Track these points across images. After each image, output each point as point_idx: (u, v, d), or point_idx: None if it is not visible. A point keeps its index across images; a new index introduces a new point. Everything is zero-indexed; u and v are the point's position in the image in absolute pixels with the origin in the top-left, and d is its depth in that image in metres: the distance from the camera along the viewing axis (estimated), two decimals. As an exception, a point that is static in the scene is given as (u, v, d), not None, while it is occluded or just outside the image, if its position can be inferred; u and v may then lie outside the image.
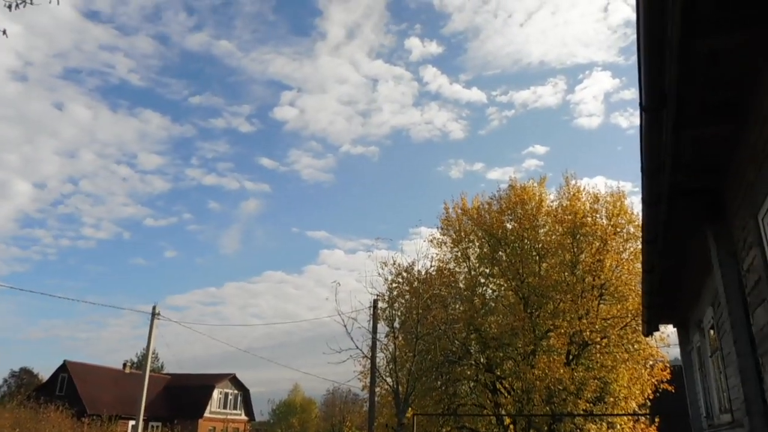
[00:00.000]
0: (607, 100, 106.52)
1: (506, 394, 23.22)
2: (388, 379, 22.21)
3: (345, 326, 24.26)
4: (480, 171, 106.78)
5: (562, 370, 20.39)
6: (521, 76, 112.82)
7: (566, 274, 22.65)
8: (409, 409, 21.20)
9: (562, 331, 21.60)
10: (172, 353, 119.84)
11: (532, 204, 24.00)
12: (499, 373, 23.49)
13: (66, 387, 44.17)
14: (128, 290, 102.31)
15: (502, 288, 24.58)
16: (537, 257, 23.35)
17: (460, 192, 29.02)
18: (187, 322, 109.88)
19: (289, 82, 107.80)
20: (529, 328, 22.15)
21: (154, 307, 27.80)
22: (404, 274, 24.09)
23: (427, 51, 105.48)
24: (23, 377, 59.53)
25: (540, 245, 23.41)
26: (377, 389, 22.43)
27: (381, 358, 22.64)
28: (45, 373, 56.64)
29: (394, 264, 24.41)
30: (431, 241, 25.94)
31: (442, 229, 26.27)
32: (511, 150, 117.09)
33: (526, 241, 23.61)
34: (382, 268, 24.18)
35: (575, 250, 23.00)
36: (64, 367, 45.67)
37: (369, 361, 21.45)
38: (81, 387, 43.67)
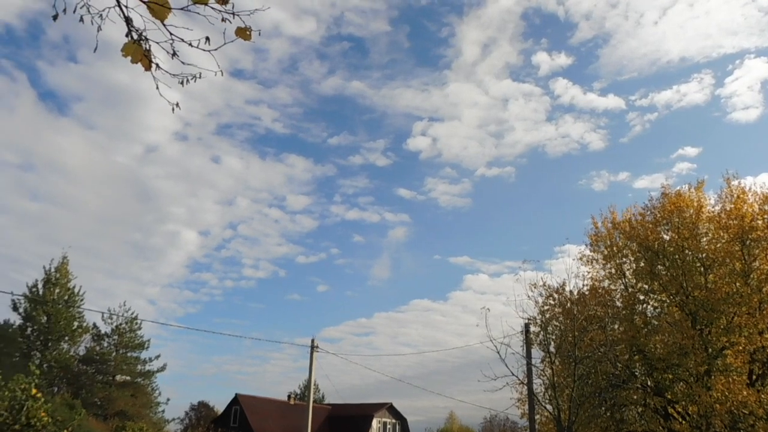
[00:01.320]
0: (765, 88, 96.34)
1: (681, 420, 21.36)
2: (548, 406, 21.42)
3: (498, 352, 23.83)
4: (625, 181, 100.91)
5: (745, 392, 18.42)
6: (661, 76, 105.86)
7: (738, 284, 20.59)
8: (573, 437, 20.21)
9: (741, 348, 19.57)
10: (331, 384, 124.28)
11: (690, 211, 22.21)
12: (669, 397, 21.73)
13: (239, 418, 47.42)
14: (287, 325, 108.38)
15: (665, 304, 22.84)
16: (702, 268, 21.48)
17: (609, 205, 27.53)
18: (342, 353, 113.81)
19: (419, 112, 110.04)
20: (700, 346, 20.32)
21: (312, 341, 29.18)
22: (555, 296, 23.24)
23: (556, 64, 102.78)
24: (201, 410, 64.70)
25: (704, 255, 21.52)
26: (537, 416, 21.64)
27: (538, 384, 21.94)
28: (219, 405, 61.18)
29: (544, 285, 23.65)
30: (581, 258, 24.86)
31: (591, 245, 25.11)
32: (658, 155, 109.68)
33: (687, 251, 21.81)
34: (531, 291, 23.51)
35: (746, 257, 20.87)
36: (236, 400, 49.13)
37: (526, 387, 20.82)
38: (252, 418, 46.65)
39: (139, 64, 3.55)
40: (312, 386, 30.02)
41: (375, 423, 54.09)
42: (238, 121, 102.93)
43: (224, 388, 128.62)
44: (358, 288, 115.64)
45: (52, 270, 41.45)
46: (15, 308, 40.53)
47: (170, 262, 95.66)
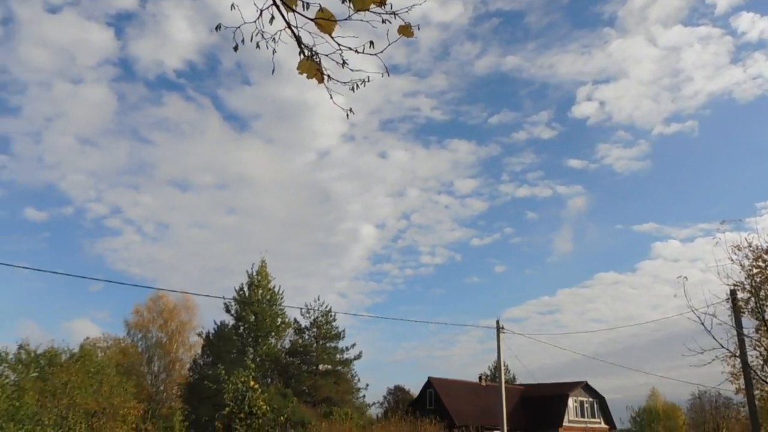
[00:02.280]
0: None
1: None
2: (769, 380, 19.22)
3: (702, 323, 21.83)
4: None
5: None
6: None
7: None
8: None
9: None
10: (521, 364, 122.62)
11: None
12: None
13: (434, 401, 48.81)
14: (469, 307, 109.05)
15: None
16: None
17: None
18: (528, 333, 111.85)
19: (582, 77, 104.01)
20: None
21: (497, 322, 29.15)
22: (765, 257, 20.67)
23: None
24: (398, 394, 67.74)
25: None
26: (757, 392, 19.53)
27: (754, 356, 19.72)
28: (413, 389, 63.51)
29: (750, 247, 21.14)
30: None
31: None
32: None
33: None
34: (735, 254, 21.16)
35: None
36: (429, 383, 50.62)
37: (738, 360, 18.87)
38: (447, 400, 47.77)
39: (313, 79, 3.84)
40: (502, 367, 29.96)
41: (571, 402, 52.48)
42: (398, 115, 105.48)
43: (416, 372, 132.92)
44: (538, 266, 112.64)
45: (254, 274, 45.97)
46: (227, 310, 45.62)
47: (353, 256, 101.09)
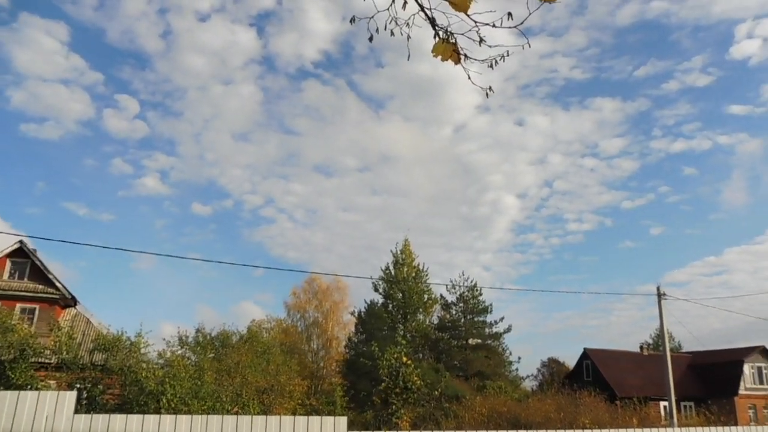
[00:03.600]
0: None
1: None
2: None
3: None
4: None
5: None
6: None
7: None
8: None
9: None
10: (687, 331, 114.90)
11: None
12: None
13: (591, 372, 47.09)
14: (625, 273, 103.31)
15: None
16: None
17: None
18: (693, 298, 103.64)
19: (740, 13, 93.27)
20: None
21: (658, 288, 27.33)
22: None
23: None
24: (552, 366, 66.23)
25: None
26: None
27: None
28: (569, 361, 61.73)
29: None
30: None
31: None
32: None
33: None
34: None
35: None
36: (585, 355, 48.88)
37: None
38: (605, 372, 45.87)
39: (449, 60, 3.67)
40: (666, 335, 28.15)
41: (747, 369, 48.11)
42: (535, 79, 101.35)
43: (571, 343, 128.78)
44: (700, 224, 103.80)
45: (398, 252, 46.95)
46: (376, 289, 47.09)
47: (497, 228, 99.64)
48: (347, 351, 47.51)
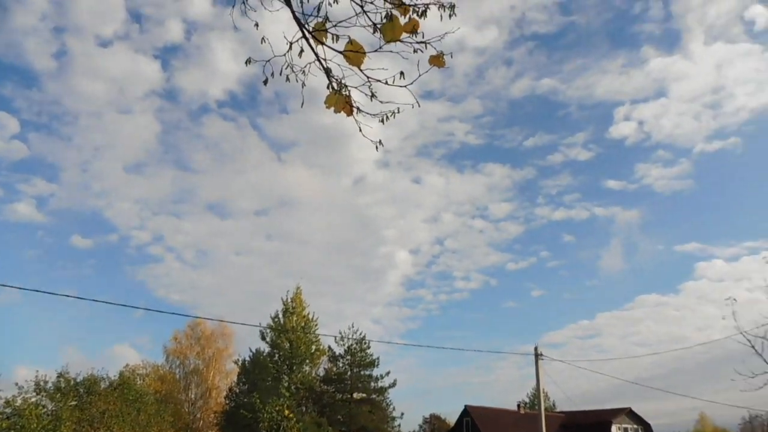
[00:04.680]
0: None
1: None
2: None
3: (753, 346, 20.87)
4: None
5: None
6: None
7: None
8: None
9: None
10: (561, 390, 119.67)
11: None
12: None
13: (471, 430, 47.79)
14: (507, 332, 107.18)
15: None
16: None
17: None
18: (567, 359, 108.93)
19: (620, 97, 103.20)
20: None
21: (536, 348, 28.44)
22: (819, 278, 19.75)
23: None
24: (434, 423, 66.58)
25: None
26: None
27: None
28: (450, 417, 62.34)
29: (801, 266, 20.24)
30: None
31: None
32: None
33: None
34: (787, 274, 20.29)
35: None
36: (466, 412, 49.63)
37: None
38: (484, 429, 46.72)
39: (341, 112, 3.73)
40: (541, 395, 29.16)
41: (615, 429, 50.76)
42: (433, 140, 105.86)
43: (453, 399, 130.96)
44: (576, 289, 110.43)
45: (289, 301, 46.03)
46: (263, 338, 45.65)
47: (389, 281, 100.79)
48: (227, 402, 45.34)
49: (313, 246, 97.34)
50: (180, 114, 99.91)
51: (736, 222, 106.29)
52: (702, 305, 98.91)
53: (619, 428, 51.35)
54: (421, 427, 67.28)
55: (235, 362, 47.70)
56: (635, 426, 52.91)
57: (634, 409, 53.00)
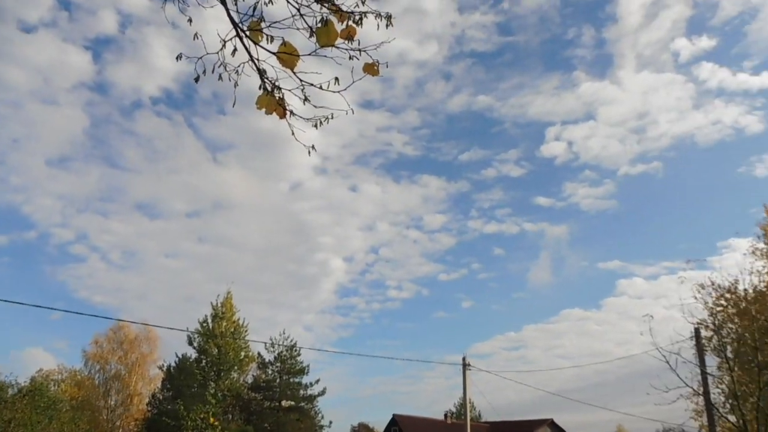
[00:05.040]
0: None
1: None
2: (731, 417, 19.40)
3: (667, 362, 22.03)
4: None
5: None
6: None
7: None
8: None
9: None
10: (487, 401, 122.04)
11: None
12: None
13: (398, 438, 48.05)
14: (437, 342, 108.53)
15: None
16: None
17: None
18: (494, 370, 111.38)
19: (551, 117, 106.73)
20: None
21: (463, 359, 28.87)
22: (727, 296, 21.08)
23: (698, 48, 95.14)
24: (361, 431, 66.56)
25: None
26: (718, 429, 19.67)
27: (716, 393, 19.94)
28: (378, 426, 62.42)
29: (713, 285, 21.55)
30: (753, 252, 22.35)
31: (765, 236, 22.50)
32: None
33: None
34: (699, 292, 21.55)
35: None
36: (394, 421, 49.84)
37: (702, 398, 19.02)
38: (411, 438, 47.07)
39: (274, 114, 3.72)
40: (468, 405, 29.65)
41: (537, 439, 52.22)
42: (371, 149, 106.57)
43: (382, 408, 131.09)
44: (504, 301, 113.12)
45: (219, 305, 45.01)
46: (190, 343, 44.43)
47: (322, 289, 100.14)
48: (150, 408, 43.78)
49: (246, 250, 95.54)
50: (111, 108, 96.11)
51: (655, 242, 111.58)
52: (622, 321, 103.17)
53: (541, 438, 52.84)
54: (348, 435, 67.11)
55: (160, 368, 46.15)
56: (557, 436, 54.59)
57: (556, 420, 54.66)
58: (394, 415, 50.14)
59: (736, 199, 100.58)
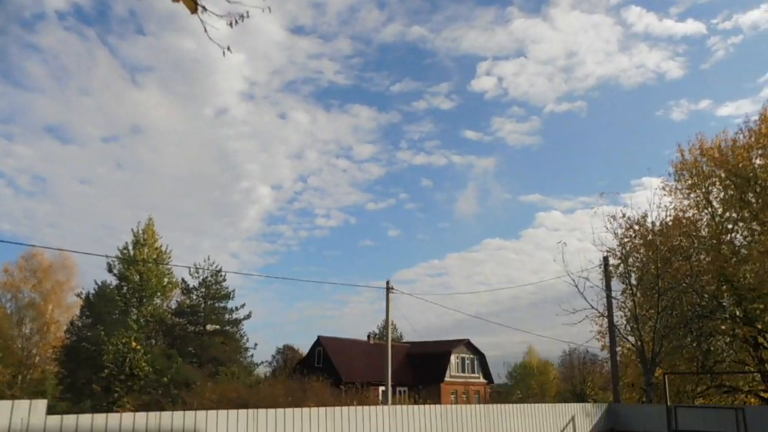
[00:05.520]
0: None
1: (773, 349, 20.52)
2: (630, 338, 21.05)
3: (576, 286, 23.50)
4: (707, 109, 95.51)
5: None
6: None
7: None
8: (658, 368, 19.83)
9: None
10: (409, 324, 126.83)
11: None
12: (760, 327, 20.78)
13: (323, 359, 49.39)
14: (362, 270, 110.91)
15: (756, 233, 21.55)
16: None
17: (696, 133, 25.59)
18: (416, 293, 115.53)
19: (483, 52, 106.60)
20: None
21: (387, 282, 29.66)
22: (636, 228, 22.43)
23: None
24: (287, 353, 67.86)
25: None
26: (618, 349, 21.34)
27: (619, 316, 21.49)
28: (304, 348, 63.89)
29: (624, 217, 22.84)
30: (663, 188, 23.70)
31: (676, 174, 23.84)
32: (745, 80, 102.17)
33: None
34: (610, 223, 22.82)
35: None
36: (318, 342, 51.08)
37: (606, 319, 20.46)
38: (335, 359, 48.49)
39: (182, 4, 3.46)
40: (390, 326, 30.66)
41: (453, 359, 54.98)
42: (301, 77, 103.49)
43: (307, 332, 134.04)
44: (429, 231, 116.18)
45: (140, 232, 43.70)
46: (110, 270, 43.23)
47: (248, 216, 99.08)
48: (68, 336, 42.79)
49: (167, 177, 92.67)
50: (7, 19, 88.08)
51: (574, 178, 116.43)
52: (538, 251, 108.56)
53: (457, 357, 55.69)
54: (274, 357, 68.29)
55: (78, 295, 44.84)
56: (471, 356, 57.65)
57: (472, 341, 57.69)
58: (319, 337, 51.34)
59: (653, 141, 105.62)
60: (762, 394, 21.22)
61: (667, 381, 14.67)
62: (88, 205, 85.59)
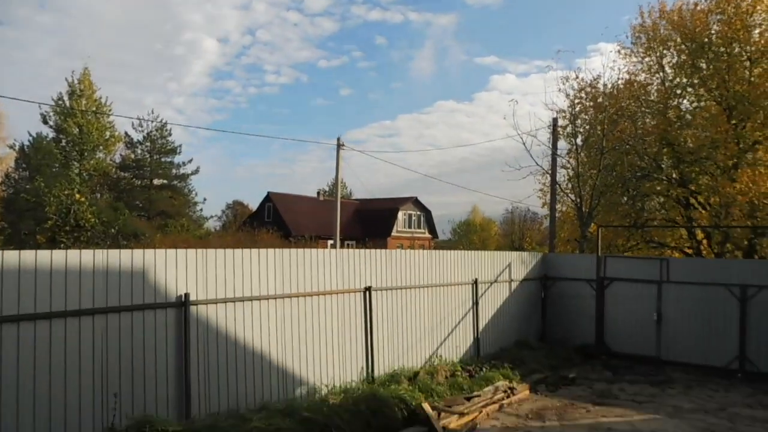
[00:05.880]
0: None
1: (701, 210, 21.81)
2: (570, 195, 21.91)
3: (524, 143, 23.89)
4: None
5: (770, 183, 18.48)
6: None
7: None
8: (593, 224, 20.94)
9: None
10: (360, 182, 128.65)
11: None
12: (693, 188, 21.94)
13: (272, 215, 50.07)
14: (313, 128, 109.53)
15: (703, 99, 21.99)
16: (748, 62, 20.25)
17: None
18: (367, 150, 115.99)
19: None
20: (732, 140, 19.97)
21: (338, 139, 29.53)
22: (588, 89, 22.49)
23: None
24: (236, 208, 68.35)
25: (753, 48, 20.13)
26: (558, 206, 22.26)
27: (562, 174, 22.17)
28: (253, 204, 64.37)
29: (577, 78, 22.78)
30: (619, 51, 23.51)
31: (633, 37, 23.55)
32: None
33: (734, 44, 20.39)
34: (563, 83, 22.78)
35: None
36: (268, 198, 51.45)
37: (549, 177, 21.11)
38: (285, 214, 49.23)
39: None
40: (339, 183, 30.96)
41: (400, 215, 56.71)
42: None
43: (257, 189, 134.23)
44: (381, 91, 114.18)
45: (76, 82, 41.19)
46: (45, 121, 41.20)
47: (193, 71, 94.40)
48: (4, 188, 41.55)
49: (102, 24, 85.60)
50: None
51: (531, 42, 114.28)
52: (491, 114, 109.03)
53: (404, 214, 57.44)
54: (224, 212, 68.82)
55: (11, 147, 42.94)
56: (418, 213, 59.54)
57: (420, 198, 59.30)
58: (268, 192, 51.61)
59: (612, 6, 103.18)
60: (686, 249, 22.87)
61: (600, 234, 15.55)
62: (10, 51, 79.19)
